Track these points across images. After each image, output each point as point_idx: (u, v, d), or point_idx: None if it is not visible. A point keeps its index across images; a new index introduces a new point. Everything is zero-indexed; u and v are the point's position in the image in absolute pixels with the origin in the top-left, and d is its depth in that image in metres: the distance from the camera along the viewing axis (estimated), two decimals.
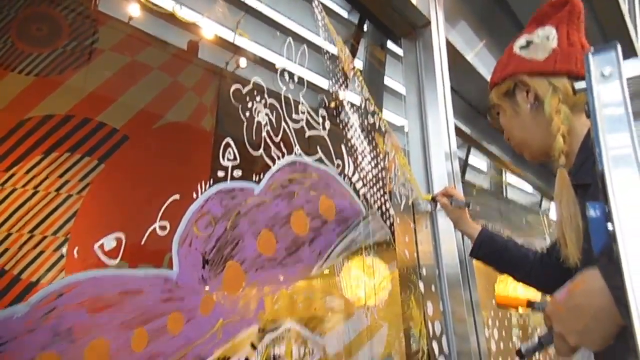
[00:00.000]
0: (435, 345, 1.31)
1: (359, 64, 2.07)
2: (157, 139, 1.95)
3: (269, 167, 1.06)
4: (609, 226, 0.45)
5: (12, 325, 0.64)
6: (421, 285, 1.43)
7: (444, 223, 1.56)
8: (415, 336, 1.33)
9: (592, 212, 0.47)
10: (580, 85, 0.58)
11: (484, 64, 2.74)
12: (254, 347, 0.88)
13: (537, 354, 0.75)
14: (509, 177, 5.01)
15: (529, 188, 5.32)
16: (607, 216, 0.46)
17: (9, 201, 1.77)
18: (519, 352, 0.76)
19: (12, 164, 1.87)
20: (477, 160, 4.53)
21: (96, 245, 0.74)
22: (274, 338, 0.92)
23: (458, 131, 3.03)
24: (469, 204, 1.39)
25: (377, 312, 1.30)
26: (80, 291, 0.71)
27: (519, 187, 5.21)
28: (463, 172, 4.23)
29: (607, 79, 0.49)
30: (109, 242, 0.75)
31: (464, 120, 3.23)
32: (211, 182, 0.96)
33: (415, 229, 1.52)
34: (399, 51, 2.03)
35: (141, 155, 1.81)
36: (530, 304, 0.80)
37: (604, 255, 0.49)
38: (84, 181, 1.88)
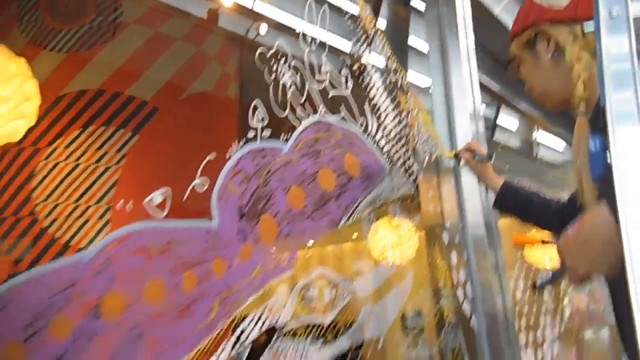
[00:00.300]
0: (460, 291, 1.38)
1: (382, 23, 2.05)
2: (185, 110, 2.02)
3: (295, 127, 1.12)
4: (607, 158, 0.47)
5: (81, 269, 0.74)
6: (445, 236, 1.48)
7: (468, 179, 1.58)
8: (440, 286, 1.40)
9: (592, 145, 0.50)
10: (589, 27, 0.59)
11: (513, 16, 2.63)
12: (289, 290, 0.97)
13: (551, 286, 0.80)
14: (540, 136, 4.88)
15: (561, 146, 5.17)
16: (606, 147, 0.48)
17: (53, 174, 1.91)
18: (534, 286, 0.81)
19: (54, 138, 2.00)
20: (507, 120, 4.42)
21: (145, 200, 0.83)
22: (307, 282, 1.01)
23: (486, 89, 2.96)
24: (491, 156, 1.41)
25: (403, 262, 1.37)
26: (137, 239, 0.80)
27: (550, 145, 5.07)
28: (492, 132, 4.15)
29: (616, 20, 0.50)
30: (156, 197, 0.84)
31: (492, 77, 3.14)
32: (243, 142, 1.02)
33: (439, 185, 1.55)
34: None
35: (171, 125, 1.89)
36: (544, 242, 0.84)
37: (602, 182, 0.52)
38: (121, 152, 1.99)
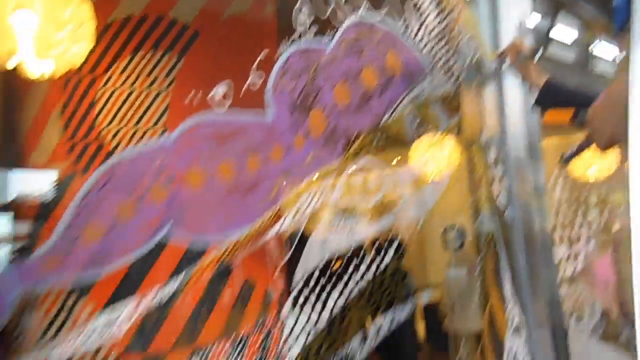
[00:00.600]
0: (496, 185, 1.45)
1: None
2: (225, 32, 2.06)
3: (338, 28, 1.16)
4: (630, 10, 0.49)
5: (165, 149, 0.88)
6: (484, 136, 1.52)
7: (510, 80, 1.57)
8: (477, 181, 1.48)
9: None
10: None
11: None
12: (338, 175, 1.09)
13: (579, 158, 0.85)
14: (598, 48, 4.50)
15: (620, 57, 4.74)
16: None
17: (112, 100, 2.07)
18: (561, 159, 0.87)
19: (108, 65, 2.13)
20: (562, 32, 4.08)
21: (209, 95, 0.94)
22: (354, 170, 1.12)
23: None
24: (536, 52, 1.40)
25: (441, 158, 1.45)
26: (206, 127, 0.93)
27: (608, 58, 4.68)
28: (545, 45, 3.87)
29: None
30: (220, 89, 0.95)
31: None
32: (289, 43, 1.09)
33: (480, 85, 1.56)
34: None
35: (214, 49, 1.95)
36: (575, 115, 0.87)
37: (624, 30, 0.55)
38: (169, 77, 2.10)
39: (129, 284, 1.05)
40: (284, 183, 0.98)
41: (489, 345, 1.33)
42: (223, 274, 1.50)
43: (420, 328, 3.50)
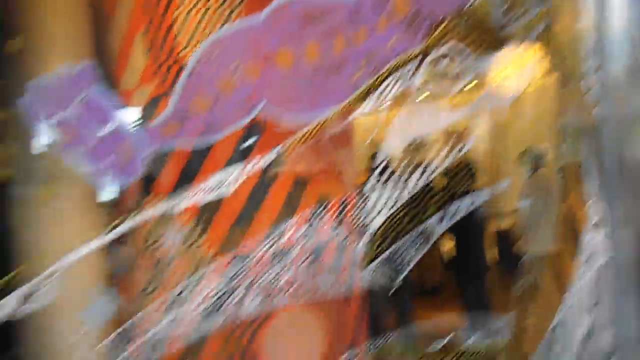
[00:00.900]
0: (587, 82, 1.34)
1: None
2: None
3: None
4: None
5: (254, 29, 0.94)
6: (579, 34, 1.39)
7: None
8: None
9: None
10: None
11: None
12: (421, 60, 1.09)
13: None
14: None
15: None
16: None
17: (189, 21, 2.10)
18: None
19: None
20: None
21: None
22: (438, 54, 1.11)
23: None
24: None
25: (525, 69, 1.36)
26: (293, 7, 0.96)
27: None
28: None
29: None
30: None
31: None
32: None
33: None
34: None
35: None
36: None
37: None
38: None
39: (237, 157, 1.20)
40: (367, 66, 1.00)
41: (565, 239, 1.32)
42: (299, 187, 1.61)
43: (492, 251, 3.51)
